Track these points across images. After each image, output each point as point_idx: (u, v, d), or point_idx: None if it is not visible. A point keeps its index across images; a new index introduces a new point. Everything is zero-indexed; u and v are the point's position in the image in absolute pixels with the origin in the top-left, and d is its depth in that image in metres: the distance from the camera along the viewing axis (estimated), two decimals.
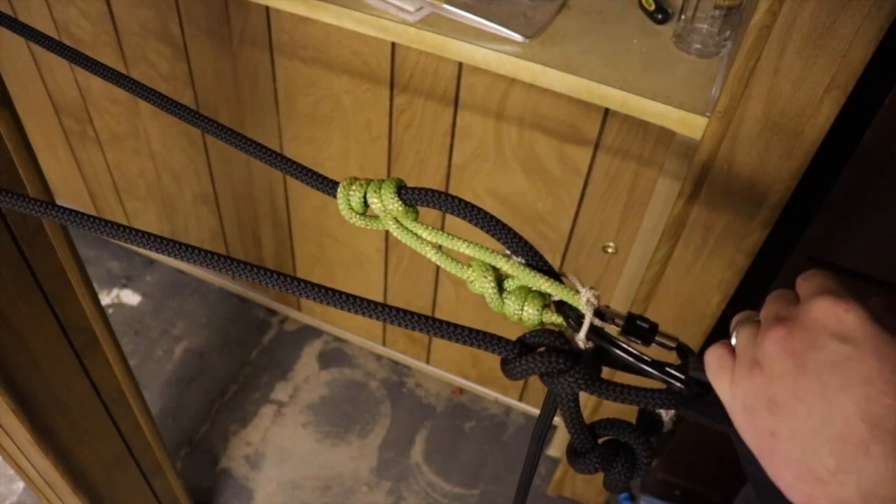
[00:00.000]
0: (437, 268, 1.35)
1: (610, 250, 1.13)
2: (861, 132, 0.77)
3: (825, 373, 0.29)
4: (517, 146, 1.07)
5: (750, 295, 0.97)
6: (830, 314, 0.30)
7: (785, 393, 0.30)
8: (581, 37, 0.86)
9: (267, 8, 1.09)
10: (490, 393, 1.58)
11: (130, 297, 1.75)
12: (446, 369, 1.58)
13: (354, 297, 0.36)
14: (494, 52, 0.84)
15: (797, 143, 0.74)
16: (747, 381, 0.32)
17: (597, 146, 1.01)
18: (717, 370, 0.34)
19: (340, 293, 0.36)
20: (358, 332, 1.64)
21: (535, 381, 1.50)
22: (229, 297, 1.76)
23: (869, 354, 0.29)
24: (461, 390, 1.62)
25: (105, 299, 1.73)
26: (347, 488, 1.47)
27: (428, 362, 1.59)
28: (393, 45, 1.04)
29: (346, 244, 1.41)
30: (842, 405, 0.28)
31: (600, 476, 0.38)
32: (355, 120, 1.17)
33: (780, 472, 0.30)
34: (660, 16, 0.88)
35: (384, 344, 1.62)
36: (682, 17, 0.84)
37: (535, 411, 1.57)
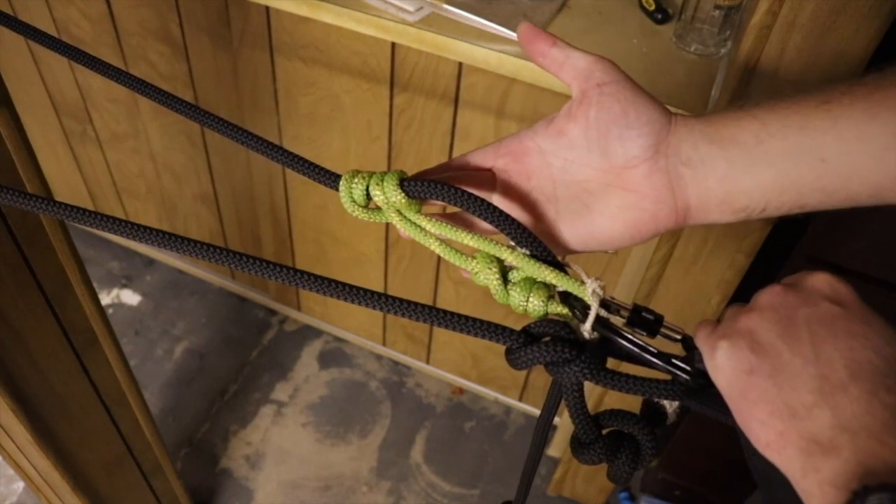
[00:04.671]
0: (438, 268, 1.35)
1: (610, 250, 1.13)
2: None
3: (814, 324, 0.31)
4: None
5: (750, 295, 0.97)
6: (825, 282, 0.33)
7: (771, 335, 0.32)
8: (581, 37, 0.86)
9: (267, 8, 1.09)
10: (490, 393, 1.58)
11: (130, 297, 1.75)
12: (446, 369, 1.58)
13: (357, 287, 0.36)
14: (494, 51, 0.84)
15: None
16: (731, 322, 0.34)
17: None
18: (704, 323, 0.36)
19: (342, 284, 0.36)
20: (358, 332, 1.64)
21: (534, 380, 1.50)
22: (229, 297, 1.76)
23: (857, 317, 0.31)
24: (461, 390, 1.62)
25: (105, 299, 1.73)
26: (347, 488, 1.47)
27: (428, 362, 1.59)
28: (393, 45, 1.04)
29: (347, 244, 1.41)
30: (826, 351, 0.30)
31: (600, 476, 0.38)
32: (355, 120, 1.17)
33: (753, 411, 0.31)
34: (660, 16, 0.88)
35: (384, 344, 1.62)
36: (682, 17, 0.84)
37: (536, 411, 1.57)
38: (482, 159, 0.43)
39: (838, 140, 0.35)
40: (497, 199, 0.43)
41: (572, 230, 0.41)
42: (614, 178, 0.39)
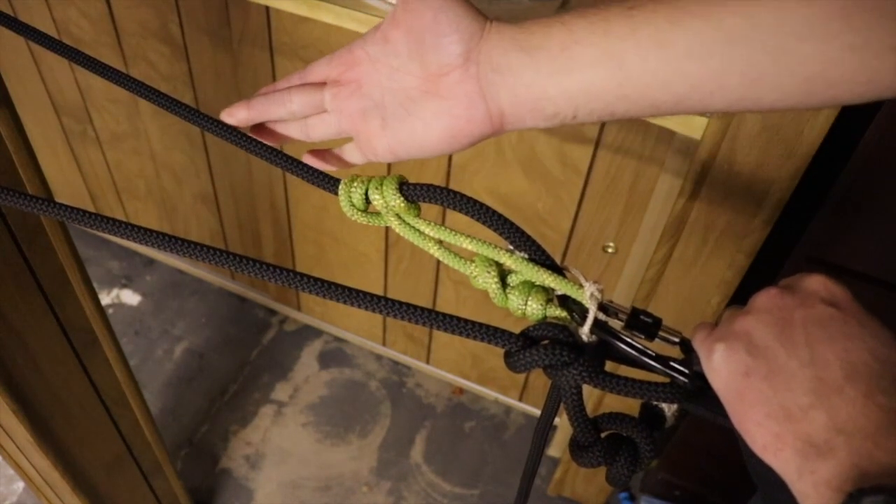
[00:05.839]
0: (438, 268, 1.35)
1: (610, 250, 1.13)
2: (861, 132, 0.77)
3: (810, 326, 0.32)
4: (517, 145, 1.07)
5: (750, 295, 0.97)
6: (822, 284, 0.33)
7: (767, 337, 0.32)
8: None
9: (267, 8, 1.09)
10: (490, 393, 1.58)
11: (130, 297, 1.75)
12: (446, 369, 1.58)
13: (356, 290, 0.36)
14: None
15: (797, 143, 0.74)
16: (728, 325, 0.34)
17: (597, 146, 1.01)
18: (701, 326, 0.36)
19: (341, 286, 0.36)
20: (358, 332, 1.64)
21: (535, 381, 1.50)
22: (229, 297, 1.76)
23: (852, 319, 0.32)
24: (461, 390, 1.62)
25: (105, 299, 1.73)
26: (347, 488, 1.47)
27: (428, 362, 1.59)
28: None
29: (346, 244, 1.41)
30: (822, 353, 0.30)
31: (600, 476, 0.38)
32: None
33: (749, 413, 0.32)
34: None
35: (384, 344, 1.62)
36: None
37: (536, 411, 1.57)
38: (318, 71, 0.45)
39: (637, 47, 0.35)
40: (329, 108, 0.45)
41: (396, 137, 0.42)
42: (432, 85, 0.40)
